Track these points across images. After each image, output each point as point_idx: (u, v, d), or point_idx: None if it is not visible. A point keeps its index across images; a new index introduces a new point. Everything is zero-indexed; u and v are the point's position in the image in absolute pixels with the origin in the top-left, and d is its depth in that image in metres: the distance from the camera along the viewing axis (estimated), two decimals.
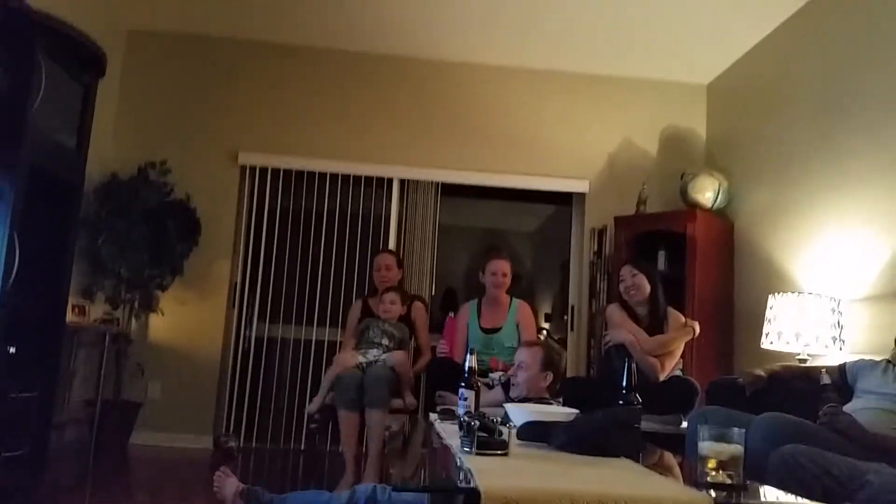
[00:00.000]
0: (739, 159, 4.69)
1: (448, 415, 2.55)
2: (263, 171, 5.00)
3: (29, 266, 3.04)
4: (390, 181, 5.10)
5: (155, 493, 3.68)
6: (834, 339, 3.37)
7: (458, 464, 1.75)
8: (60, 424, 4.14)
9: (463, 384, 2.45)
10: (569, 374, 4.32)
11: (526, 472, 1.73)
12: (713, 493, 1.56)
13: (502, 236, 8.10)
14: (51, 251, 3.35)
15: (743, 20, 4.33)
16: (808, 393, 2.67)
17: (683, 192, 4.59)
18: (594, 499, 1.45)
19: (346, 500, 2.24)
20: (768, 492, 1.71)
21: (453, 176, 5.08)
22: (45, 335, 3.32)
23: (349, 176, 5.02)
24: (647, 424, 2.89)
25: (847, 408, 2.48)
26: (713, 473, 1.64)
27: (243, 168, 5.00)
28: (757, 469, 2.00)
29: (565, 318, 5.28)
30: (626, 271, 3.69)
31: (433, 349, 4.07)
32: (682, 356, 3.66)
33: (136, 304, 4.62)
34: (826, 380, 2.67)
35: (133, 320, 4.66)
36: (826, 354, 3.40)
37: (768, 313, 3.61)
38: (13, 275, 2.92)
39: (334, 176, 5.02)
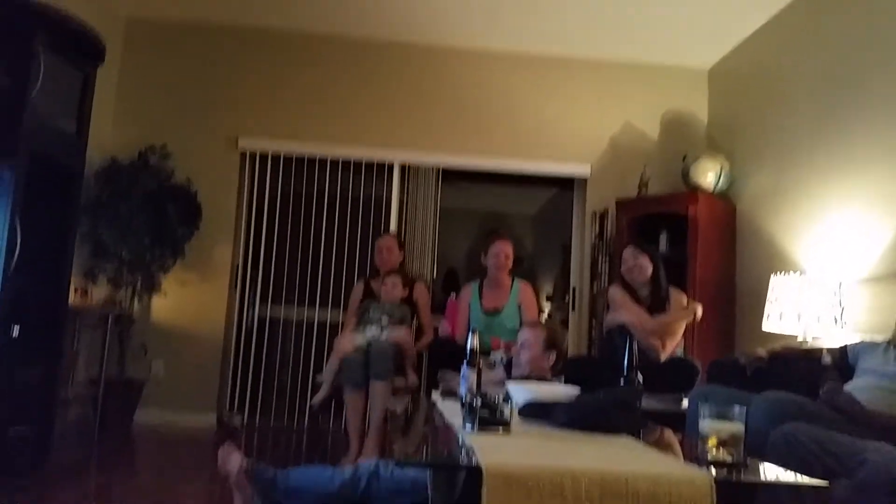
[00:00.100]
0: (741, 143, 4.68)
1: (450, 394, 2.57)
2: (264, 156, 4.99)
3: (31, 250, 3.06)
4: (391, 166, 5.09)
5: (159, 470, 3.72)
6: (835, 320, 3.37)
7: (460, 441, 1.77)
8: (65, 403, 4.17)
9: (465, 364, 2.46)
10: (570, 355, 4.33)
11: (527, 450, 1.74)
12: (713, 471, 1.58)
13: (503, 219, 8.10)
14: (52, 235, 3.37)
15: (744, 4, 4.29)
16: (809, 373, 2.68)
17: (685, 175, 4.58)
18: (595, 476, 1.46)
19: (350, 476, 2.26)
20: (768, 469, 1.71)
21: (454, 160, 5.07)
22: (49, 317, 3.34)
23: (350, 161, 5.01)
24: (647, 403, 2.91)
25: (848, 387, 2.49)
26: (714, 451, 1.65)
27: (243, 153, 4.99)
28: (757, 447, 2.01)
29: (567, 299, 5.30)
30: (629, 252, 3.70)
31: (435, 330, 4.09)
32: (684, 337, 3.67)
33: (139, 286, 4.64)
34: (827, 360, 2.69)
35: (136, 301, 4.68)
36: (827, 336, 3.41)
37: (770, 294, 3.62)
38: (15, 258, 2.94)
39: (335, 161, 5.01)
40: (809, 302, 3.40)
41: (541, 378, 2.80)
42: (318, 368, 4.67)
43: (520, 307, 3.98)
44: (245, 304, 4.96)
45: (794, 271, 3.65)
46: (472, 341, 2.50)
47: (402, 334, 3.79)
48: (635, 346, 2.49)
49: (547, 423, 2.04)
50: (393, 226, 5.04)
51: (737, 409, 1.69)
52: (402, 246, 4.34)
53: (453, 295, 4.17)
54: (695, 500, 1.45)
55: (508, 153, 5.08)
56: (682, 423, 2.78)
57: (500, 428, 1.86)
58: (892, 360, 2.55)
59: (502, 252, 4.00)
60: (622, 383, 2.46)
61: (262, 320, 4.99)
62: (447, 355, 3.67)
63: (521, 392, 2.21)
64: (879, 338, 2.77)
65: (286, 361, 4.96)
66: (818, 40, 3.93)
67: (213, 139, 4.95)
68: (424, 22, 4.84)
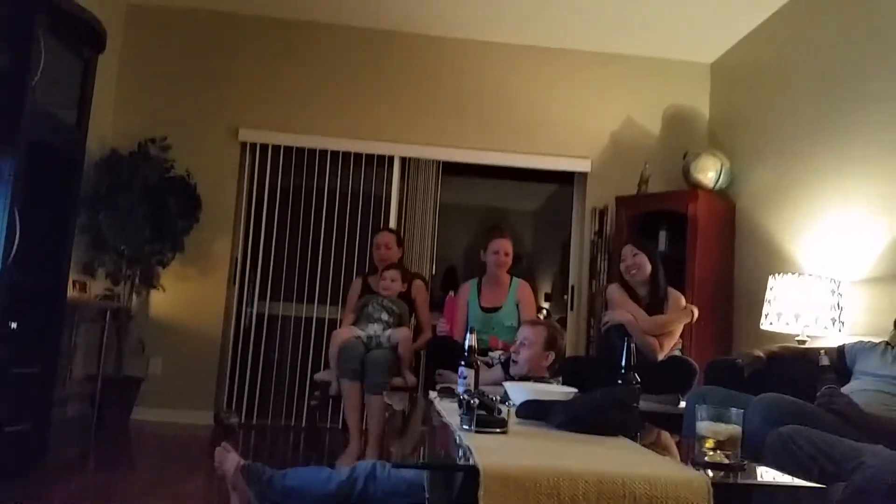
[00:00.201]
0: (742, 139, 4.67)
1: (448, 393, 2.56)
2: (264, 148, 4.98)
3: (29, 242, 3.02)
4: (391, 159, 5.08)
5: (156, 468, 3.71)
6: (833, 320, 3.37)
7: (458, 441, 1.76)
8: (62, 400, 4.16)
9: (463, 362, 2.45)
10: (568, 354, 4.33)
11: (524, 451, 1.74)
12: (710, 473, 1.58)
13: (503, 215, 8.08)
14: (51, 227, 3.34)
15: None
16: (807, 374, 2.67)
17: (685, 172, 4.57)
18: (592, 477, 1.46)
19: (346, 477, 2.26)
20: (765, 472, 1.71)
21: (454, 154, 5.06)
22: (46, 311, 3.31)
23: (350, 154, 5.00)
24: (645, 404, 2.91)
25: (845, 389, 2.49)
26: (711, 453, 1.66)
27: (244, 145, 4.97)
28: (754, 449, 2.01)
29: (565, 297, 5.29)
30: (628, 251, 3.69)
31: (433, 328, 4.08)
32: (681, 337, 3.67)
33: (137, 280, 4.63)
34: (825, 361, 2.68)
35: (134, 296, 4.67)
36: (825, 336, 3.41)
37: (768, 294, 3.62)
38: (13, 251, 2.91)
39: (335, 153, 5.00)
40: (808, 302, 3.40)
41: (539, 378, 2.79)
42: (317, 366, 4.67)
43: (518, 305, 3.98)
44: (243, 300, 4.95)
45: (793, 272, 3.65)
46: (470, 340, 2.49)
47: (405, 335, 3.75)
48: (633, 346, 2.48)
49: (544, 424, 2.03)
50: (393, 220, 5.03)
51: (734, 411, 1.69)
52: (401, 242, 4.33)
53: (452, 293, 4.17)
54: (692, 502, 1.45)
55: (509, 147, 5.08)
56: (680, 424, 2.78)
57: (498, 428, 1.85)
58: (889, 362, 2.55)
59: (502, 250, 3.99)
60: (620, 383, 2.46)
61: (259, 316, 4.98)
62: (445, 354, 3.65)
63: (518, 392, 2.21)
64: (877, 339, 2.77)
65: (284, 360, 4.96)
66: (821, 37, 3.92)
67: (214, 130, 4.93)
68: (426, 13, 4.82)
